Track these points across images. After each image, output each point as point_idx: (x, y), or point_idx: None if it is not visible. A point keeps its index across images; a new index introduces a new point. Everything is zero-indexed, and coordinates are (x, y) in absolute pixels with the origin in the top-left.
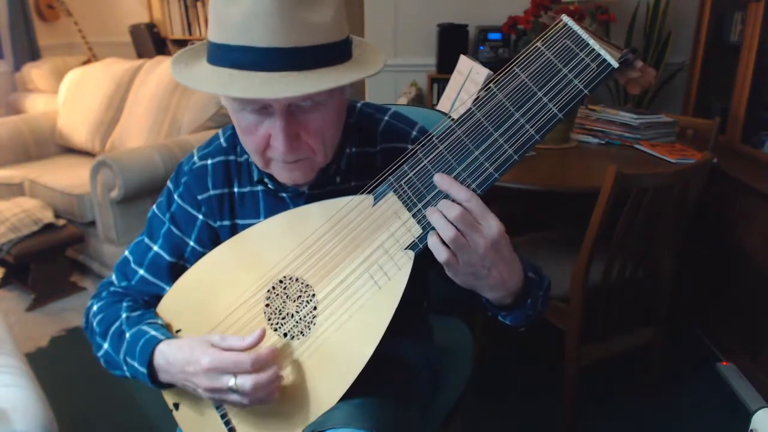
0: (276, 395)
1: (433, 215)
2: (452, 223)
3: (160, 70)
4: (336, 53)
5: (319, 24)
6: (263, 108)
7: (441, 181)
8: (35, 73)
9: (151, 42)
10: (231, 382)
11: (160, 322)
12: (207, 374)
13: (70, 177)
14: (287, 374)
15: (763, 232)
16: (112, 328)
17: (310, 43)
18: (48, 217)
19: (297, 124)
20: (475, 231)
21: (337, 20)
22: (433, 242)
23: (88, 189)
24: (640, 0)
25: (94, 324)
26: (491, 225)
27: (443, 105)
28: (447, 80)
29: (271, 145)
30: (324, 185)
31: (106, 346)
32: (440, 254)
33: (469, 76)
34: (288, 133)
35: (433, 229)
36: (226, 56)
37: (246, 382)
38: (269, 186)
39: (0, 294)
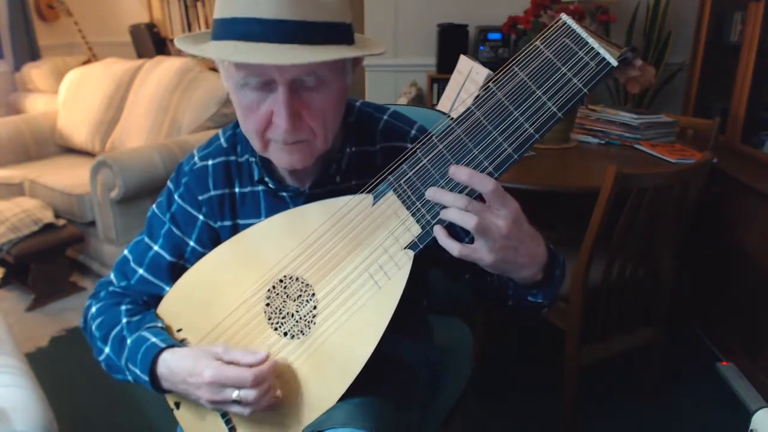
0: (276, 404)
1: (448, 212)
2: (471, 212)
3: (160, 70)
4: (340, 33)
5: (326, 2)
6: (266, 84)
7: (459, 172)
8: (35, 73)
9: (151, 42)
10: (234, 394)
11: (160, 325)
12: (209, 387)
13: (70, 177)
14: (287, 373)
15: (763, 232)
16: (113, 333)
17: (317, 19)
18: (48, 217)
19: (300, 102)
20: (493, 214)
21: (343, 2)
22: (443, 239)
23: (88, 189)
24: (640, 0)
25: (93, 328)
26: (508, 204)
27: (443, 105)
28: (447, 80)
29: (272, 122)
30: (324, 184)
31: (107, 350)
32: (453, 249)
33: (469, 76)
34: (291, 110)
35: (437, 225)
36: (233, 29)
37: (249, 394)
38: (270, 185)
39: (0, 294)
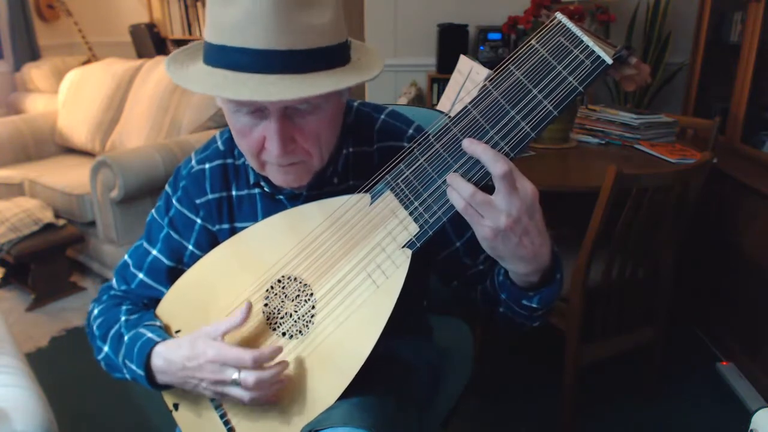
0: (275, 399)
1: (455, 179)
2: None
3: (160, 70)
4: (333, 57)
5: (317, 27)
6: (258, 110)
7: (470, 145)
8: (35, 73)
9: (151, 42)
10: (235, 375)
11: (158, 323)
12: (211, 365)
13: (70, 177)
14: (286, 373)
15: (763, 232)
16: (112, 331)
17: (307, 46)
18: (48, 217)
19: (292, 127)
20: (515, 189)
21: (336, 23)
22: (454, 199)
23: (88, 189)
24: (640, 0)
25: (95, 327)
26: (525, 187)
27: (443, 105)
28: (447, 80)
29: (265, 147)
30: (322, 187)
31: (106, 349)
32: (458, 204)
33: (469, 76)
34: (283, 136)
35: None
36: (222, 57)
37: (249, 376)
38: (266, 189)
39: (0, 294)
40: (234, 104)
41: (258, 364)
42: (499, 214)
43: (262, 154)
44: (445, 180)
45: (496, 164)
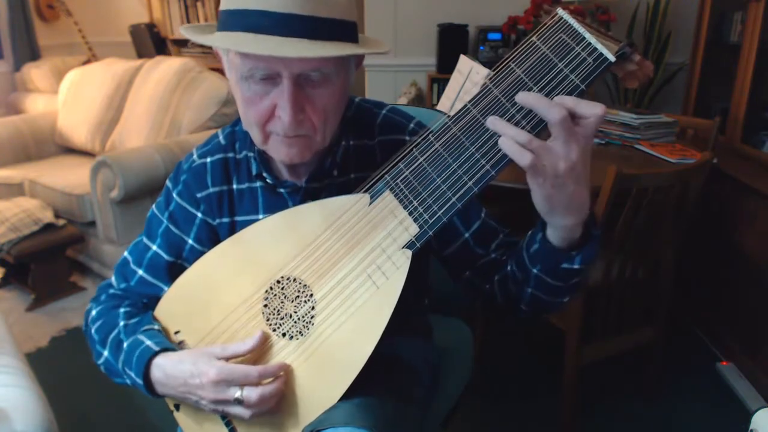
0: (276, 409)
1: (505, 144)
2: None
3: (160, 70)
4: (347, 31)
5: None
6: (270, 78)
7: (523, 97)
8: (35, 73)
9: (151, 42)
10: (237, 393)
11: (157, 327)
12: (214, 386)
13: (70, 177)
14: (287, 374)
15: (763, 232)
16: (111, 336)
17: (326, 15)
18: (48, 217)
19: (304, 97)
20: (554, 154)
21: (351, 1)
22: (509, 146)
23: (88, 189)
24: (640, 0)
25: (93, 330)
26: (574, 143)
27: (443, 105)
28: (447, 80)
29: (275, 115)
30: (322, 179)
31: (106, 353)
32: (523, 158)
33: (469, 76)
34: (295, 103)
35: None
36: (241, 21)
37: (252, 393)
38: (268, 181)
39: (0, 294)
40: (247, 69)
41: (264, 379)
42: (557, 159)
43: (269, 125)
44: (444, 180)
45: (551, 110)
